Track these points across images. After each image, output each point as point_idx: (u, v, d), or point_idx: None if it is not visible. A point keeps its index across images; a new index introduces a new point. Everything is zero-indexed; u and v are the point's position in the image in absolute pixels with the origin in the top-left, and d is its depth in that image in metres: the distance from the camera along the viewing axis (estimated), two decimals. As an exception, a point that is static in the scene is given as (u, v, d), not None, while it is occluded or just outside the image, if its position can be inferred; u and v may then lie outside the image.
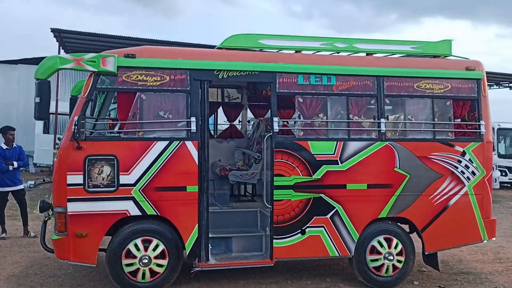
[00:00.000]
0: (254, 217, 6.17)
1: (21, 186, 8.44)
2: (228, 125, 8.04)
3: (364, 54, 6.18)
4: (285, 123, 6.20)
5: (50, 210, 5.78)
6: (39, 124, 19.24)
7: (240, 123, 8.24)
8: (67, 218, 5.16)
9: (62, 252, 5.27)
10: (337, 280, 6.17)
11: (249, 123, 8.34)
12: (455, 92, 6.08)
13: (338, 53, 6.13)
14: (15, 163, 8.25)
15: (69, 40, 17.88)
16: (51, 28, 16.59)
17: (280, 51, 5.97)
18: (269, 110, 8.13)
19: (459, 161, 6.00)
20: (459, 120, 6.16)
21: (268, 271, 6.26)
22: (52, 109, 19.37)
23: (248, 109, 8.06)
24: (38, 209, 5.79)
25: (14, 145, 8.46)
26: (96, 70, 5.15)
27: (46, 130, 19.60)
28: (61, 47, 18.93)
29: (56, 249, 5.33)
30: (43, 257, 6.95)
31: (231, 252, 5.83)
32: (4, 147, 8.33)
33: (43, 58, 5.22)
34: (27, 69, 22.65)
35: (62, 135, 5.72)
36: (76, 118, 5.13)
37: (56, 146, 5.70)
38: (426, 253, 6.05)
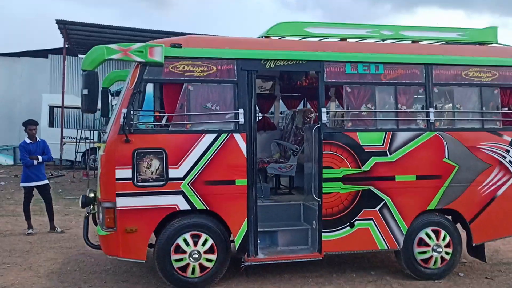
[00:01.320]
0: (297, 210, 6.05)
1: (46, 181, 8.27)
2: (261, 117, 7.88)
3: (409, 42, 6.03)
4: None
5: (92, 205, 5.66)
6: (44, 117, 19.02)
7: (273, 114, 8.09)
8: (116, 213, 5.01)
9: (111, 248, 5.12)
10: (382, 273, 6.07)
11: (281, 114, 8.19)
12: (502, 80, 5.96)
13: (383, 41, 5.98)
14: (40, 158, 8.08)
15: (73, 31, 17.65)
16: (56, 20, 16.36)
17: (324, 39, 5.81)
18: (302, 101, 8.09)
19: (507, 151, 5.89)
20: (506, 108, 6.04)
21: (310, 265, 6.13)
22: (58, 102, 19.26)
23: (280, 100, 7.90)
24: (80, 205, 5.64)
25: (38, 139, 8.30)
26: (144, 60, 4.98)
27: (51, 124, 19.39)
28: (65, 39, 18.70)
29: (104, 245, 5.19)
30: (78, 253, 6.81)
31: (277, 246, 5.71)
32: (28, 141, 8.16)
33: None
34: (30, 61, 22.37)
35: (107, 127, 5.55)
36: (124, 110, 4.97)
37: (103, 140, 5.53)
38: (474, 245, 5.95)
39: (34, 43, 36.45)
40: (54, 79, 22.09)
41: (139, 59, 4.97)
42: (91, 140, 17.39)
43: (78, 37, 18.38)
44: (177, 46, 5.14)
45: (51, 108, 19.42)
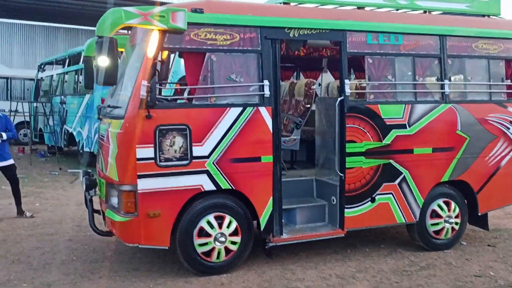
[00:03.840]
0: (310, 185, 5.85)
1: (11, 161, 7.40)
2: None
3: (421, 12, 5.94)
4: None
5: (95, 188, 5.13)
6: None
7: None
8: (138, 197, 4.52)
9: (131, 236, 4.64)
10: (391, 245, 6.08)
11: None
12: (506, 53, 6.05)
13: (397, 10, 5.84)
14: (4, 135, 7.21)
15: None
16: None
17: (341, 7, 5.56)
18: (295, 73, 7.82)
19: (511, 122, 6.03)
20: (509, 81, 6.17)
21: (320, 242, 5.94)
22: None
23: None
24: (84, 188, 5.09)
25: (0, 114, 7.38)
26: (166, 26, 4.44)
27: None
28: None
29: (122, 232, 4.69)
30: (64, 240, 6.18)
31: (295, 224, 5.49)
32: (-12, 116, 7.23)
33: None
34: None
35: (111, 101, 4.95)
36: (144, 82, 4.45)
37: (110, 116, 4.94)
38: (480, 214, 6.09)
39: None
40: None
41: (160, 25, 4.43)
42: (26, 113, 16.04)
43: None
44: (198, 11, 4.65)
45: (-25, 77, 17.69)
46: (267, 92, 4.90)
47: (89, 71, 5.97)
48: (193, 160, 4.67)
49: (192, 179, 4.70)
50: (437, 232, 5.84)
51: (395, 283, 4.88)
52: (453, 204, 5.87)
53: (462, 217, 5.96)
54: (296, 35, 5.08)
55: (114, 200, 4.75)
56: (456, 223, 5.91)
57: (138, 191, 4.52)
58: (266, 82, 4.90)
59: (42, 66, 17.10)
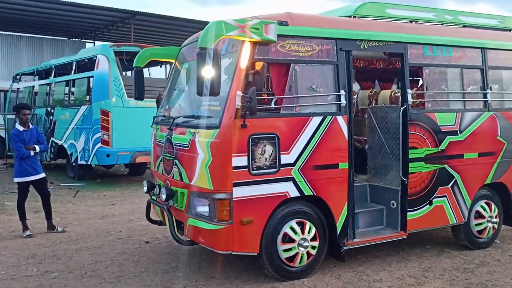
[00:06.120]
0: (364, 191, 6.10)
1: (43, 174, 7.18)
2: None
3: (461, 26, 6.38)
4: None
5: (172, 197, 5.16)
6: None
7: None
8: (233, 205, 4.60)
9: (224, 243, 4.69)
10: (436, 245, 6.42)
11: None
12: (534, 64, 6.59)
13: (442, 24, 6.24)
14: (37, 147, 7.01)
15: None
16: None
17: (397, 21, 5.90)
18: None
19: (540, 128, 6.56)
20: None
21: (370, 246, 6.11)
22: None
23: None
24: (164, 198, 5.10)
25: (31, 126, 7.17)
26: (259, 38, 4.59)
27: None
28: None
29: (215, 240, 4.74)
30: (119, 253, 6.11)
31: (358, 228, 5.70)
32: (21, 129, 7.01)
33: None
34: None
35: (181, 110, 4.98)
36: (238, 92, 4.56)
37: (193, 125, 4.97)
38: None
39: None
40: None
41: (254, 37, 4.57)
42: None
43: None
44: (284, 23, 4.82)
45: None
46: (343, 101, 5.12)
47: (140, 82, 6.03)
48: (281, 168, 4.81)
49: (280, 186, 4.83)
50: (480, 232, 6.24)
51: (465, 280, 5.19)
52: (493, 205, 6.29)
53: (499, 217, 6.39)
54: (366, 47, 5.34)
55: (203, 209, 4.79)
56: (496, 223, 6.34)
57: (234, 199, 4.60)
58: (342, 92, 5.12)
59: (18, 77, 16.51)
